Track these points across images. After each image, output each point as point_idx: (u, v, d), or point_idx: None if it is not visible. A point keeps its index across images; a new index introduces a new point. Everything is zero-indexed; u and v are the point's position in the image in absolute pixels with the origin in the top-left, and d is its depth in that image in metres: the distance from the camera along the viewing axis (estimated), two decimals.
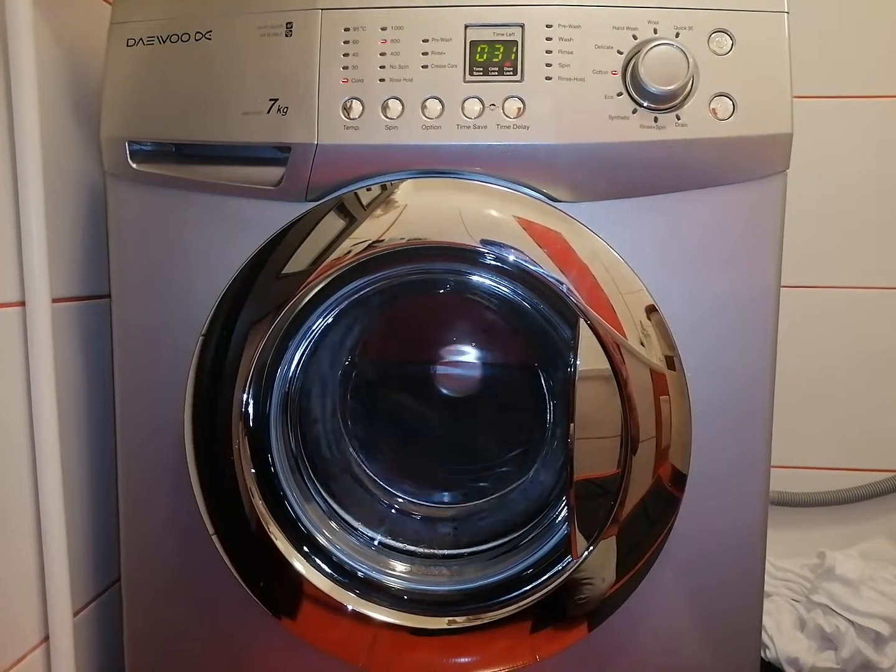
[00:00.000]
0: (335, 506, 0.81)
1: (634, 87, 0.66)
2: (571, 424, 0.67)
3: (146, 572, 0.78)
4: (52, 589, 0.75)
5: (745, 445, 0.71)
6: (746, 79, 0.67)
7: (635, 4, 0.67)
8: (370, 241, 0.69)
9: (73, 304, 0.80)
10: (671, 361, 0.69)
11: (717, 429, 0.71)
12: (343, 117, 0.68)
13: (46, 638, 0.77)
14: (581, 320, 0.67)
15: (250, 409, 0.73)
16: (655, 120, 0.67)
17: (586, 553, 0.70)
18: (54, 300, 0.74)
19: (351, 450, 0.88)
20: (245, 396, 0.72)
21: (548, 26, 0.67)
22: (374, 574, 0.77)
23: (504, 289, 0.75)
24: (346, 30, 0.68)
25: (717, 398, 0.70)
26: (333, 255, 0.69)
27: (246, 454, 0.73)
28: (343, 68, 0.68)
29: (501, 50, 0.68)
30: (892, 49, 1.08)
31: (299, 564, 0.74)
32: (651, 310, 0.69)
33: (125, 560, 0.78)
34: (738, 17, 0.67)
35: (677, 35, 0.67)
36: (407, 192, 0.70)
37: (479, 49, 0.68)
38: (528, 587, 0.73)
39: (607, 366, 0.68)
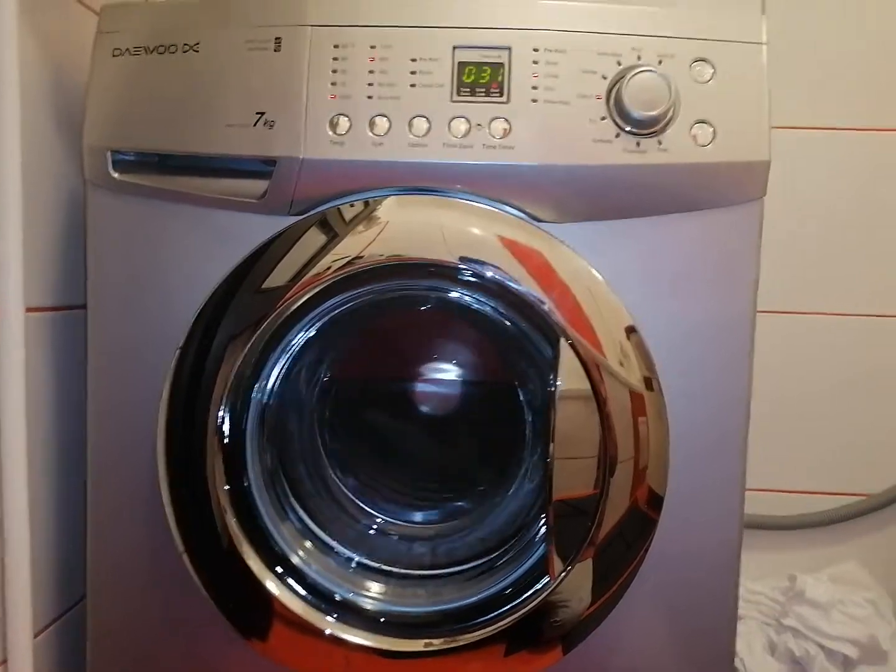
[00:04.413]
0: (311, 524, 0.80)
1: (618, 111, 0.67)
2: (551, 444, 0.67)
3: (112, 591, 0.75)
4: (11, 608, 0.73)
5: (721, 468, 0.72)
6: (726, 107, 0.69)
7: (620, 32, 0.69)
8: (350, 258, 0.69)
9: (47, 314, 0.79)
10: (650, 382, 0.70)
11: (694, 451, 0.71)
12: (330, 132, 0.68)
13: (4, 661, 0.74)
14: (562, 339, 0.68)
15: (226, 425, 0.72)
16: (638, 144, 0.68)
17: (562, 575, 0.70)
18: (28, 309, 0.73)
19: (328, 467, 0.87)
20: (221, 411, 0.71)
21: (534, 50, 0.68)
22: (349, 596, 0.75)
23: (486, 307, 0.75)
24: (336, 46, 0.69)
25: (694, 420, 0.71)
26: (313, 271, 0.69)
27: (220, 471, 0.72)
28: (331, 84, 0.69)
29: (488, 72, 0.69)
30: (869, 83, 1.11)
31: (272, 585, 0.72)
32: (630, 330, 0.69)
33: (91, 578, 0.76)
34: (719, 46, 0.69)
35: (660, 62, 0.68)
36: (389, 208, 0.70)
37: (466, 70, 0.69)
38: (504, 608, 0.73)
39: (587, 386, 0.68)
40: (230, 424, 0.72)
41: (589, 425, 0.68)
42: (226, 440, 0.72)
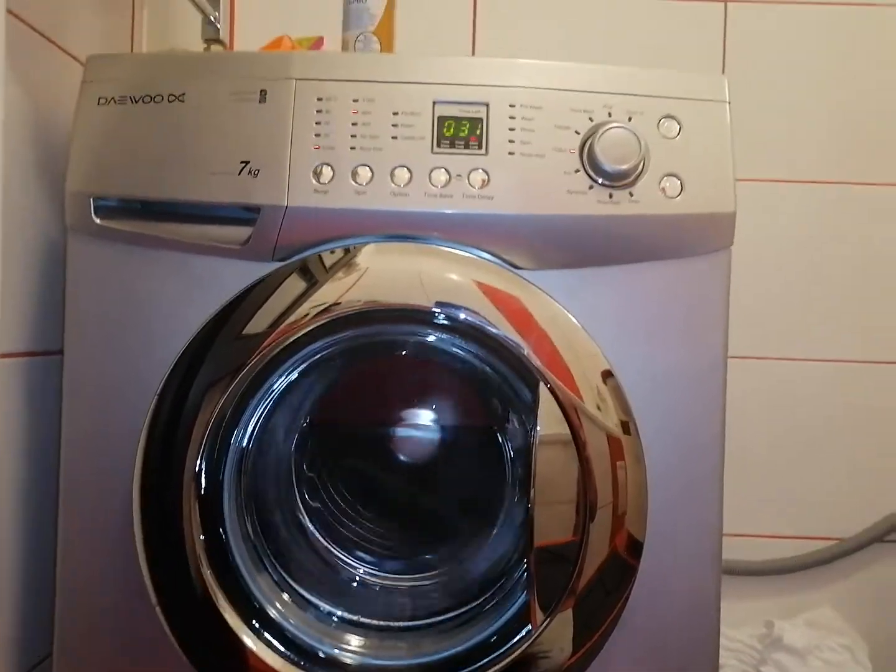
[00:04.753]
0: (288, 577, 0.78)
1: (591, 164, 0.70)
2: (532, 490, 0.67)
3: (81, 646, 0.72)
4: None
5: (697, 512, 0.73)
6: (693, 161, 0.72)
7: (591, 90, 0.72)
8: (327, 304, 0.69)
9: (22, 359, 0.77)
10: (626, 426, 0.71)
11: (671, 495, 0.72)
12: (313, 181, 0.70)
13: None
14: (541, 384, 0.69)
15: (203, 473, 0.70)
16: (610, 196, 0.71)
17: (543, 625, 0.69)
18: (2, 355, 0.72)
19: (306, 516, 0.85)
20: (198, 459, 0.70)
21: (511, 106, 0.71)
22: (328, 650, 0.74)
23: (465, 352, 0.76)
24: (319, 99, 0.71)
25: (669, 465, 0.72)
26: (291, 318, 0.69)
27: (196, 520, 0.70)
28: (315, 135, 0.70)
29: (467, 125, 0.71)
30: (835, 138, 1.17)
31: (248, 640, 0.70)
32: (607, 375, 0.71)
33: (59, 633, 0.73)
34: (685, 104, 0.73)
35: (630, 119, 0.71)
36: (369, 255, 0.71)
37: (446, 124, 0.71)
38: (485, 660, 0.71)
39: (567, 430, 0.69)
40: (207, 472, 0.71)
41: (568, 470, 0.69)
42: (202, 488, 0.71)
